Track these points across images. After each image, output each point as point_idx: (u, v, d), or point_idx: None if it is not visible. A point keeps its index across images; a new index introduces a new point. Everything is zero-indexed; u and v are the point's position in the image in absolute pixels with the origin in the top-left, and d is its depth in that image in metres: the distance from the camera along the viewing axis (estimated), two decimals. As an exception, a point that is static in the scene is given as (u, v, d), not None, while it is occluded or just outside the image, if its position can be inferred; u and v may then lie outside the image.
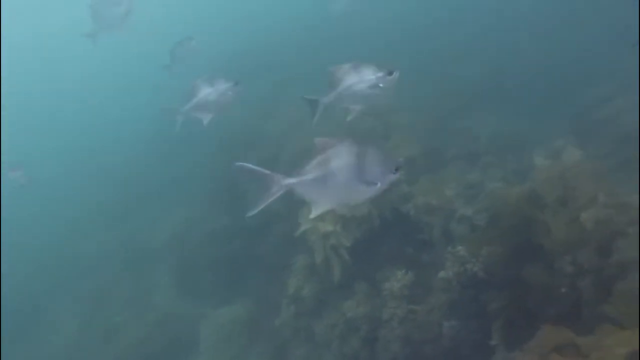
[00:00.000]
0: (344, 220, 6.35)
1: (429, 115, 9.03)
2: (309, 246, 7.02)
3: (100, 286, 11.64)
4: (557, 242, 4.81)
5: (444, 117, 9.30)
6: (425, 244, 6.33)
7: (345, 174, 3.05)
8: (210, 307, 9.63)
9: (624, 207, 4.57)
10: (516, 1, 11.88)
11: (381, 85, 4.10)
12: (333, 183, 3.06)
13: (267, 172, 3.07)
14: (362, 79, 4.12)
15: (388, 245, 6.68)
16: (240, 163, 3.12)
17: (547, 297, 4.75)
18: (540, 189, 5.14)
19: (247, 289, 9.17)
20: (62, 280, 12.64)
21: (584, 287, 4.28)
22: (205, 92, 5.36)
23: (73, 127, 21.80)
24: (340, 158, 3.05)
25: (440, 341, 5.29)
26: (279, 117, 11.21)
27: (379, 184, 3.09)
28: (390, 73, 4.11)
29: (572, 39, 10.79)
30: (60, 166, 17.97)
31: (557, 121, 8.79)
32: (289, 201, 7.98)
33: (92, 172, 16.16)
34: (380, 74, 4.12)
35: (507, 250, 5.05)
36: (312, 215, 3.30)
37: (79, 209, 14.72)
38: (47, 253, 13.71)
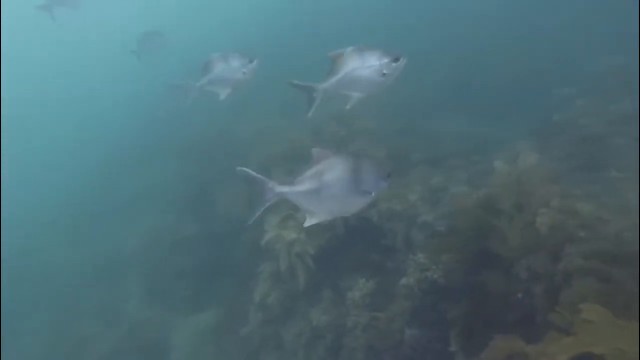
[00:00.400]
0: (307, 228, 6.29)
1: (394, 119, 9.05)
2: (275, 254, 6.98)
3: (70, 297, 11.39)
4: (513, 247, 4.85)
5: (410, 120, 9.34)
6: (389, 250, 6.33)
7: (340, 186, 3.15)
8: (181, 316, 9.52)
9: (575, 212, 4.63)
10: (481, 5, 11.99)
11: (385, 72, 3.76)
12: (327, 195, 3.17)
13: (262, 178, 3.17)
14: (365, 64, 3.77)
15: (353, 251, 6.67)
16: (240, 168, 3.21)
17: (504, 303, 4.79)
18: (496, 195, 5.17)
19: (217, 297, 9.08)
20: (29, 292, 12.33)
21: (536, 293, 4.31)
22: (219, 68, 5.04)
23: (37, 132, 21.18)
24: (335, 170, 3.15)
25: (402, 349, 5.29)
26: (250, 120, 11.15)
27: (373, 193, 3.21)
28: (396, 59, 3.76)
29: (535, 41, 10.98)
30: (28, 171, 17.55)
31: (521, 122, 8.91)
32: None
33: (60, 179, 15.79)
34: (385, 60, 3.76)
35: (465, 257, 5.08)
36: (306, 224, 3.39)
37: (47, 217, 14.38)
38: (14, 263, 13.36)
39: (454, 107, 9.92)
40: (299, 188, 3.19)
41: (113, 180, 13.97)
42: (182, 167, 11.64)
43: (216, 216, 9.48)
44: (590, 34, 10.20)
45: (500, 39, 11.30)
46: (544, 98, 9.20)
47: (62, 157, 17.36)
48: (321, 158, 3.16)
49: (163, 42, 9.91)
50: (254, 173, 3.18)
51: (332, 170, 3.14)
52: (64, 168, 16.21)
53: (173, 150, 12.61)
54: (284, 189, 3.19)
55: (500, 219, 4.90)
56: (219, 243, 9.27)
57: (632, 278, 3.84)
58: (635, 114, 7.19)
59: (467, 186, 7.06)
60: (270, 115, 10.83)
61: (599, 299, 3.72)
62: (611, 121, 7.26)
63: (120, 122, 16.12)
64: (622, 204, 5.28)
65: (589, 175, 6.79)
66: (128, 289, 10.59)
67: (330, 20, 14.15)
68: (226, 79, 5.03)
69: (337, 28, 13.53)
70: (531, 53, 10.82)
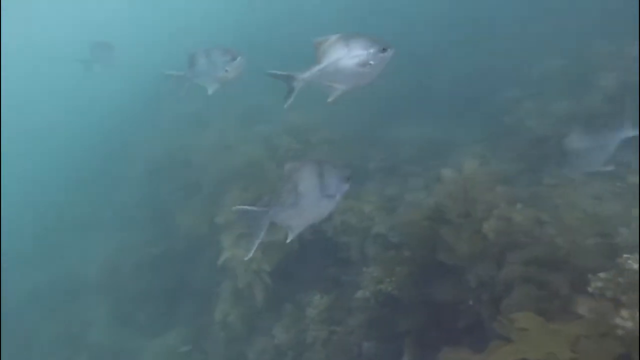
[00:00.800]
0: (263, 245, 6.27)
1: (351, 127, 9.10)
2: (234, 272, 6.93)
3: (27, 328, 11.00)
4: (462, 256, 4.94)
5: (366, 127, 9.42)
6: (346, 263, 6.36)
7: (312, 193, 3.23)
8: (146, 338, 9.33)
9: (518, 217, 4.74)
10: (433, 9, 12.21)
11: (372, 62, 3.54)
12: (304, 205, 3.23)
13: (255, 209, 3.21)
14: (351, 53, 3.52)
15: (311, 266, 6.68)
16: (237, 207, 3.24)
17: (455, 312, 4.88)
18: (443, 204, 5.26)
19: (181, 317, 8.93)
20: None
21: (484, 300, 4.39)
22: (200, 63, 4.82)
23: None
24: (305, 180, 3.22)
25: (360, 362, 5.32)
26: (210, 131, 11.04)
27: (337, 196, 3.30)
28: (383, 50, 3.54)
29: (484, 43, 11.25)
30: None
31: (475, 125, 9.11)
32: (214, 226, 7.85)
33: (16, 200, 15.26)
34: (372, 50, 3.53)
35: (416, 268, 5.14)
36: (289, 240, 3.41)
37: (5, 240, 13.85)
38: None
39: (409, 112, 10.05)
40: (283, 205, 3.22)
41: (71, 199, 13.59)
42: (141, 185, 11.42)
43: (177, 234, 9.33)
44: (533, 36, 10.54)
45: (450, 42, 11.54)
46: (495, 100, 9.43)
47: (17, 176, 16.80)
48: (292, 172, 3.23)
49: (113, 53, 9.64)
50: (248, 207, 3.21)
51: (304, 180, 3.22)
52: (20, 188, 15.68)
53: (132, 167, 12.37)
54: (275, 209, 3.20)
55: (448, 228, 4.98)
56: (181, 262, 9.12)
57: (567, 281, 3.97)
58: (577, 114, 7.46)
59: (423, 193, 7.18)
60: (229, 125, 10.77)
61: (536, 305, 3.83)
62: (555, 122, 7.48)
63: (77, 140, 15.70)
64: (561, 207, 5.45)
65: (536, 176, 7.01)
66: (91, 314, 10.31)
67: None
68: (209, 75, 4.84)
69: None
70: (481, 55, 11.10)
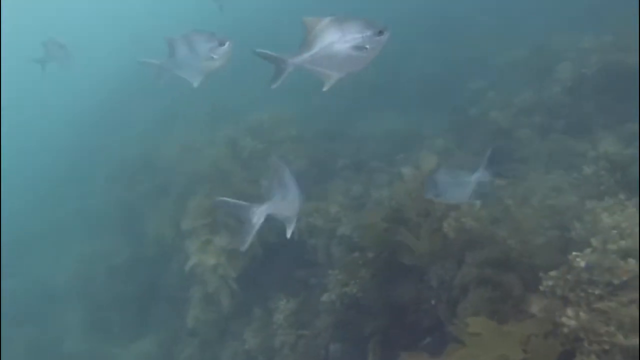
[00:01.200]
0: (227, 252, 6.25)
1: (317, 123, 9.07)
2: (202, 278, 6.88)
3: (3, 333, 10.77)
4: (423, 255, 4.98)
5: (333, 123, 9.39)
6: (313, 265, 6.36)
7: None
8: (121, 345, 9.24)
9: (475, 216, 4.79)
10: (400, 3, 12.15)
11: (368, 46, 3.30)
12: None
13: (245, 204, 3.09)
14: (345, 37, 3.27)
15: (279, 269, 6.67)
16: (220, 199, 3.14)
17: (419, 312, 4.93)
18: (403, 203, 5.28)
19: (155, 323, 8.86)
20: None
21: (441, 304, 4.44)
22: (182, 52, 4.22)
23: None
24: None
25: (327, 364, 5.35)
26: (177, 133, 10.90)
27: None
28: (380, 32, 3.31)
29: (454, 36, 11.29)
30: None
31: (441, 117, 9.17)
32: (181, 231, 7.74)
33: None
34: (368, 33, 3.29)
35: (380, 270, 5.17)
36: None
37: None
38: None
39: (377, 106, 10.06)
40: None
41: (40, 205, 13.28)
42: (110, 188, 11.23)
43: (147, 239, 9.22)
44: (497, 27, 10.63)
45: (418, 34, 11.55)
46: (461, 91, 9.50)
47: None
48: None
49: (67, 51, 9.27)
50: (235, 201, 3.10)
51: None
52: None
53: (101, 170, 12.15)
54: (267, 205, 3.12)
55: (407, 229, 5.00)
56: (151, 267, 9.03)
57: (520, 281, 4.04)
58: (538, 104, 7.56)
59: (387, 189, 7.20)
60: (196, 125, 10.64)
61: (491, 307, 3.89)
62: (516, 113, 7.57)
63: (46, 142, 15.32)
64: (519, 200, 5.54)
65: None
66: (64, 322, 10.16)
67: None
68: (192, 65, 4.24)
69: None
70: (448, 47, 11.14)
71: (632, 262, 3.62)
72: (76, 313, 10.21)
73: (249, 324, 6.61)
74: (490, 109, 7.99)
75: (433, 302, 4.93)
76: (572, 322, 3.37)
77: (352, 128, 9.16)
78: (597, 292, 3.61)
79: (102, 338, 9.65)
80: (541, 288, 3.89)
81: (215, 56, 4.10)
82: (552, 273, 3.89)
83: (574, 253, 3.87)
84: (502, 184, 5.66)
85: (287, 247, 6.70)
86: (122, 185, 10.76)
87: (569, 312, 3.44)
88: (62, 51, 8.84)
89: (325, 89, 3.42)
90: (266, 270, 6.61)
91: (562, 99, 7.31)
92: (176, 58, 4.22)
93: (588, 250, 3.96)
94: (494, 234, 4.35)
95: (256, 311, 6.60)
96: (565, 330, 3.40)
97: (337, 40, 3.24)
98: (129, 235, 9.79)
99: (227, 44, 4.10)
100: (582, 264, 3.77)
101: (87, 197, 11.92)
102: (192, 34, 4.14)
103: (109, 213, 10.75)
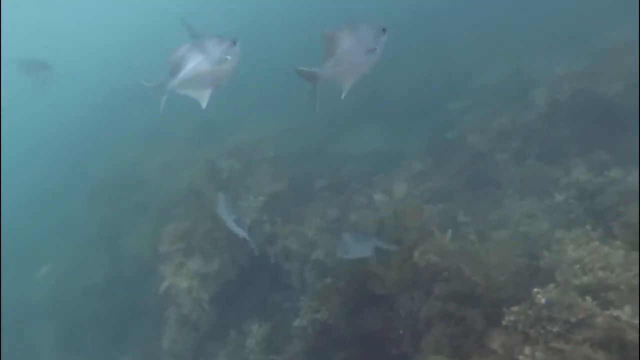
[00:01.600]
0: (200, 275, 6.25)
1: (296, 143, 9.11)
2: (178, 299, 6.86)
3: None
4: (393, 285, 5.01)
5: (314, 142, 9.44)
6: (288, 289, 6.36)
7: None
8: (97, 364, 9.15)
9: (443, 248, 4.84)
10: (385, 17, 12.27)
11: (376, 47, 3.51)
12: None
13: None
14: (361, 42, 3.48)
15: (255, 292, 6.66)
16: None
17: (387, 341, 4.95)
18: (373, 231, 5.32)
19: (131, 343, 8.78)
20: None
21: (405, 340, 4.47)
22: (196, 61, 3.82)
23: None
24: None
25: (298, 391, 5.35)
26: (158, 149, 10.89)
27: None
28: (382, 31, 3.53)
29: (437, 52, 11.43)
30: None
31: (420, 137, 9.25)
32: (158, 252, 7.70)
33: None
34: (374, 34, 3.51)
35: (350, 297, 5.19)
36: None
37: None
38: None
39: (358, 123, 10.13)
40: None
41: (18, 218, 13.10)
42: (91, 203, 11.15)
43: (126, 257, 9.16)
44: (480, 45, 10.78)
45: (402, 50, 11.65)
46: (441, 111, 9.60)
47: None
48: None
49: (48, 71, 9.24)
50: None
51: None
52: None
53: (83, 184, 12.06)
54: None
55: (377, 259, 5.02)
56: (130, 285, 8.96)
57: (483, 316, 4.08)
58: (514, 129, 7.67)
59: (367, 211, 7.24)
60: (179, 142, 10.64)
61: (452, 343, 3.93)
62: (493, 137, 7.67)
63: (27, 155, 15.18)
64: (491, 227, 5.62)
65: (474, 193, 7.18)
66: (38, 340, 10.02)
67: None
68: (205, 76, 3.85)
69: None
70: (430, 62, 11.26)
71: (589, 300, 3.68)
72: (51, 331, 10.08)
73: (224, 346, 6.59)
74: (468, 132, 8.08)
75: (401, 331, 4.97)
76: (529, 362, 3.41)
77: (332, 146, 9.20)
78: (555, 329, 3.67)
79: (77, 357, 9.54)
80: (503, 323, 3.95)
81: (229, 57, 3.85)
82: (514, 308, 3.94)
83: (535, 289, 3.93)
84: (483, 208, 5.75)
85: (265, 270, 6.73)
86: (103, 201, 10.68)
87: (527, 350, 3.48)
88: (44, 72, 8.83)
89: (343, 95, 3.66)
90: (243, 293, 6.60)
91: (538, 125, 7.41)
92: (185, 72, 3.84)
93: (551, 286, 4.03)
94: (460, 268, 4.39)
95: (232, 333, 6.58)
96: (523, 369, 3.44)
97: (355, 46, 3.51)
98: (108, 253, 9.72)
99: (237, 43, 3.89)
100: (543, 300, 3.83)
101: (67, 212, 11.82)
102: (204, 40, 3.87)
103: (89, 229, 10.67)
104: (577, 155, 6.72)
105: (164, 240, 6.66)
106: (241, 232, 4.46)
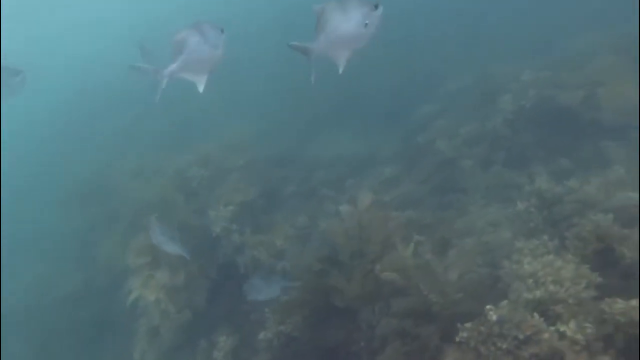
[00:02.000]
0: (167, 288, 6.24)
1: (270, 149, 9.10)
2: (147, 311, 6.86)
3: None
4: (354, 297, 5.06)
5: (286, 147, 9.43)
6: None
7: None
8: (70, 376, 9.08)
9: (404, 263, 4.89)
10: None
11: (367, 22, 3.54)
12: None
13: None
14: (349, 17, 3.53)
15: (226, 302, 6.68)
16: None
17: (349, 354, 5.01)
18: (338, 243, 5.36)
19: (104, 354, 8.72)
20: None
21: (365, 350, 4.53)
22: (194, 41, 3.81)
23: None
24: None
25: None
26: (131, 154, 10.78)
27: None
28: (375, 7, 3.56)
29: (415, 53, 11.46)
30: None
31: (392, 141, 9.30)
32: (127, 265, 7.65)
33: None
34: (365, 9, 3.56)
35: (313, 310, 5.23)
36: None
37: None
38: None
39: (331, 128, 10.14)
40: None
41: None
42: (63, 210, 11.00)
43: (98, 266, 9.09)
44: (455, 49, 10.85)
45: (377, 56, 11.67)
46: (414, 114, 9.65)
47: None
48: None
49: (19, 77, 9.03)
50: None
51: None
52: None
53: (56, 190, 11.89)
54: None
55: (339, 272, 5.08)
56: (102, 295, 8.89)
57: (438, 332, 4.15)
58: (481, 135, 7.76)
59: (336, 219, 7.28)
60: (151, 147, 10.55)
61: (406, 359, 3.99)
62: (461, 144, 7.74)
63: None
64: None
65: (441, 200, 7.26)
66: (9, 352, 9.89)
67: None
68: (203, 57, 3.88)
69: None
70: (407, 64, 11.30)
71: (537, 316, 3.77)
72: (23, 342, 9.96)
73: (194, 357, 6.60)
74: (437, 137, 8.15)
75: (362, 344, 5.03)
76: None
77: (305, 151, 9.20)
78: (504, 346, 3.75)
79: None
80: (457, 339, 4.02)
81: (220, 43, 3.90)
82: (468, 325, 4.01)
83: (487, 306, 4.00)
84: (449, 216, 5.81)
85: (234, 281, 6.73)
86: (75, 207, 10.56)
87: (477, 368, 3.56)
88: (14, 78, 8.62)
89: (340, 71, 3.73)
90: (213, 303, 6.61)
91: (504, 131, 7.50)
92: (186, 53, 3.84)
93: (504, 302, 4.11)
94: (417, 284, 4.45)
95: (202, 343, 6.60)
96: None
97: (343, 20, 3.55)
98: (80, 262, 9.63)
99: (224, 32, 3.95)
100: (494, 317, 3.91)
101: (38, 218, 11.63)
102: (201, 24, 3.89)
103: (61, 236, 10.54)
104: (541, 161, 6.83)
105: (131, 253, 6.63)
106: (177, 251, 4.56)
